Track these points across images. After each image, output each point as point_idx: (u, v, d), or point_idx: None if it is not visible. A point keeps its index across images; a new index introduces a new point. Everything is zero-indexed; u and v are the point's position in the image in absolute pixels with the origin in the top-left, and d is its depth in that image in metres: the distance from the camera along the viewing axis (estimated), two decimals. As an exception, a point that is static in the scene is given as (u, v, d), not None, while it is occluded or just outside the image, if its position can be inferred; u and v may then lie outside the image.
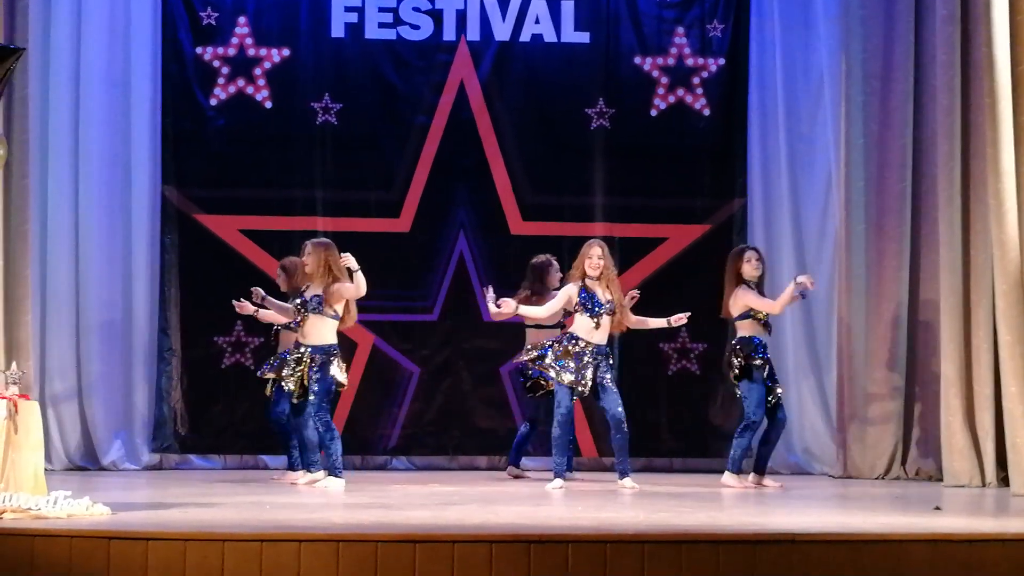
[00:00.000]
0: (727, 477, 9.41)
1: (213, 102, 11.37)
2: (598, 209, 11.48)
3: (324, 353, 9.22)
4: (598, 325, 9.11)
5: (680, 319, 9.58)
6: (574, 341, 9.14)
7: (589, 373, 9.05)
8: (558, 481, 9.03)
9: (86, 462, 10.91)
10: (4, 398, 6.47)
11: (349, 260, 9.09)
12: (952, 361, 9.60)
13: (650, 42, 11.58)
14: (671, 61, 11.57)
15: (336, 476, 9.16)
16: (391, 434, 11.32)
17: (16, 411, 6.46)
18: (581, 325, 9.16)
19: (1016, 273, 9.08)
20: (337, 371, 9.24)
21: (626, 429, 9.07)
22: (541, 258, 10.25)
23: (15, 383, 6.70)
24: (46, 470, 6.83)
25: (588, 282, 9.17)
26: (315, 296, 9.23)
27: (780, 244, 11.45)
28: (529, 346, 9.66)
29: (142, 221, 11.21)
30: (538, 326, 9.95)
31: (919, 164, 10.53)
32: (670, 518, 6.75)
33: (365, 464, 11.34)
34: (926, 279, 10.43)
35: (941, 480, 9.77)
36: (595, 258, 9.19)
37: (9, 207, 9.87)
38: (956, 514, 7.08)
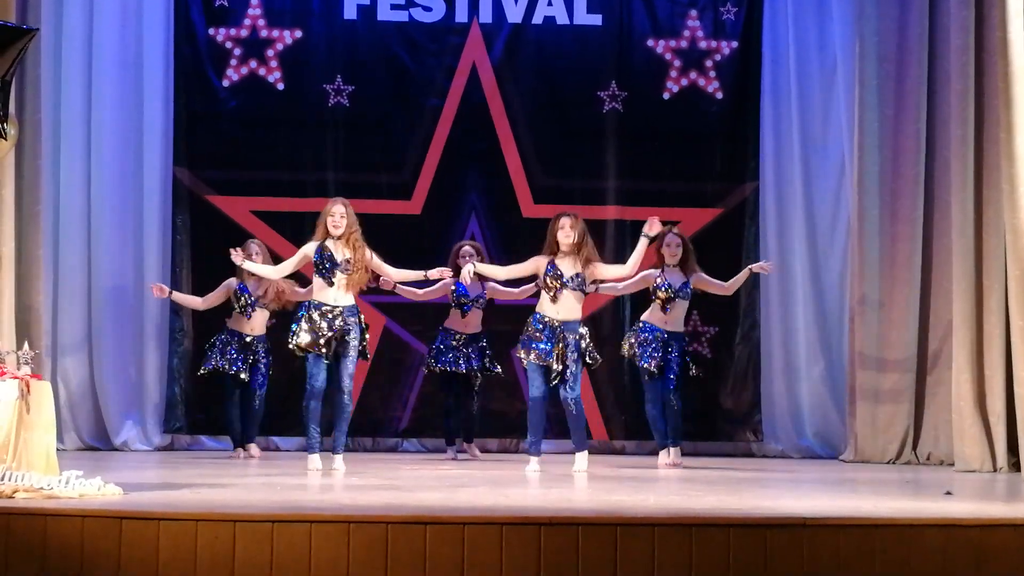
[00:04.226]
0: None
1: (225, 83, 11.38)
2: (610, 192, 11.47)
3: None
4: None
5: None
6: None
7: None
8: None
9: (98, 442, 10.95)
10: (16, 378, 6.47)
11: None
12: (964, 346, 9.59)
13: (663, 25, 11.56)
14: (684, 44, 11.55)
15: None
16: (402, 416, 11.34)
17: (28, 391, 6.46)
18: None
19: (1029, 258, 9.06)
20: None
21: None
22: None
23: (27, 363, 6.70)
24: (58, 450, 6.84)
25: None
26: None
27: (792, 228, 11.44)
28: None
29: (154, 202, 11.23)
30: None
31: (932, 148, 10.49)
32: (680, 501, 6.75)
33: (376, 446, 11.37)
34: (938, 264, 10.40)
35: (952, 465, 9.76)
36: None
37: (22, 188, 9.89)
38: (967, 499, 7.07)
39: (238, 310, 10.21)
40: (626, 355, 9.94)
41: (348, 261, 8.83)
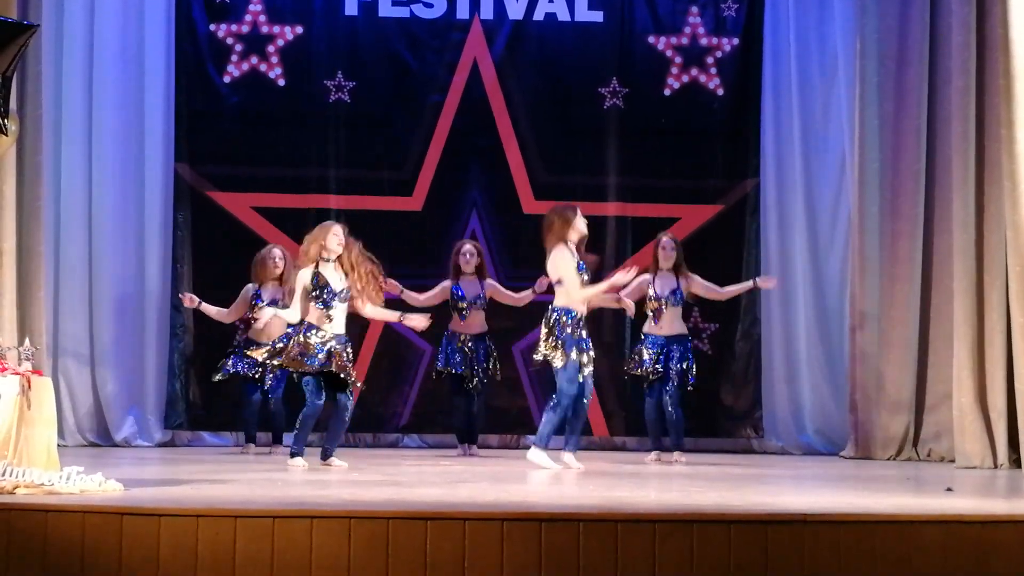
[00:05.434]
0: (535, 453, 8.81)
1: (226, 79, 11.38)
2: (611, 189, 11.48)
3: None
4: None
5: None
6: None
7: None
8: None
9: (99, 438, 10.95)
10: (17, 374, 6.48)
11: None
12: (965, 342, 9.59)
13: (664, 21, 11.56)
14: (685, 41, 11.55)
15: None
16: (403, 412, 11.34)
17: (29, 387, 6.47)
18: None
19: (1030, 255, 9.06)
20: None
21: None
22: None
23: (28, 359, 6.71)
24: (59, 446, 6.85)
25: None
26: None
27: (793, 225, 11.44)
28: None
29: (155, 198, 11.23)
30: None
31: (933, 145, 10.48)
32: (681, 497, 6.75)
33: (377, 442, 11.38)
34: (940, 261, 10.39)
35: (953, 461, 9.77)
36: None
37: (23, 184, 9.89)
38: (968, 495, 7.07)
39: (251, 319, 10.28)
40: (627, 368, 10.01)
41: (345, 289, 8.68)
